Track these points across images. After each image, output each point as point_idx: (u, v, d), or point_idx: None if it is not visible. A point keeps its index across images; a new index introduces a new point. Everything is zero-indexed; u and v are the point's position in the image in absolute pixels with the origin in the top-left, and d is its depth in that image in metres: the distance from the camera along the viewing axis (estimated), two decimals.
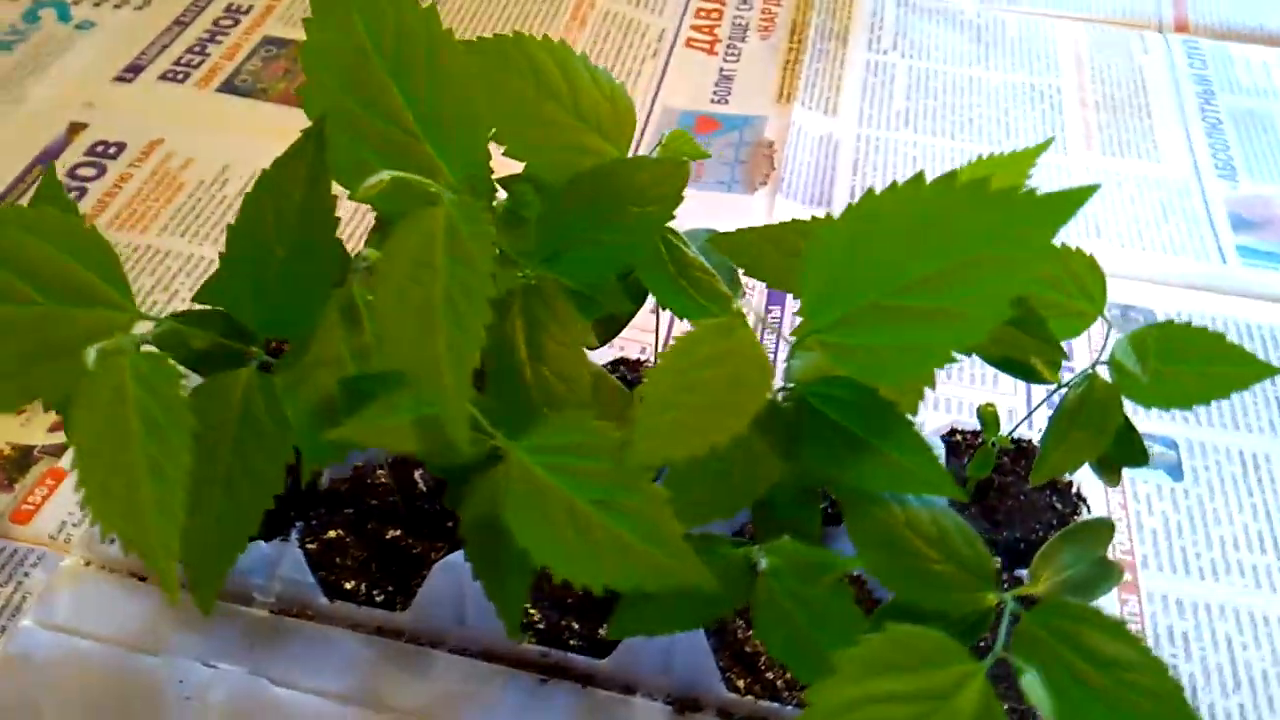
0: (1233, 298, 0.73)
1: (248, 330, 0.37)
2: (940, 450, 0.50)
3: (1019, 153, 0.38)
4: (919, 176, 0.32)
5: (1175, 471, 0.64)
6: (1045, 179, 0.38)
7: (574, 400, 0.36)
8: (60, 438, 0.61)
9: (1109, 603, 0.51)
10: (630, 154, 0.43)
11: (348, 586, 0.49)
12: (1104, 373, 0.43)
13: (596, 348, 0.46)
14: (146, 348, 0.33)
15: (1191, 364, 0.43)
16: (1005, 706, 0.45)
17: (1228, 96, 0.89)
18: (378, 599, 0.49)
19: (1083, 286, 0.42)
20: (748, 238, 0.42)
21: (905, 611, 0.36)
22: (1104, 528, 0.40)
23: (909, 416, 0.37)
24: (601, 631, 0.47)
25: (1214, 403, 0.60)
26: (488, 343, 0.37)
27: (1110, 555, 0.52)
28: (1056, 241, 0.42)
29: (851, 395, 0.36)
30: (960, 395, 0.66)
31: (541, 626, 0.48)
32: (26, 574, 0.55)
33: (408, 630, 0.49)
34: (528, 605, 0.48)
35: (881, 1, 0.97)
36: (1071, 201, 0.30)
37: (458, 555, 0.46)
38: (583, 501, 0.31)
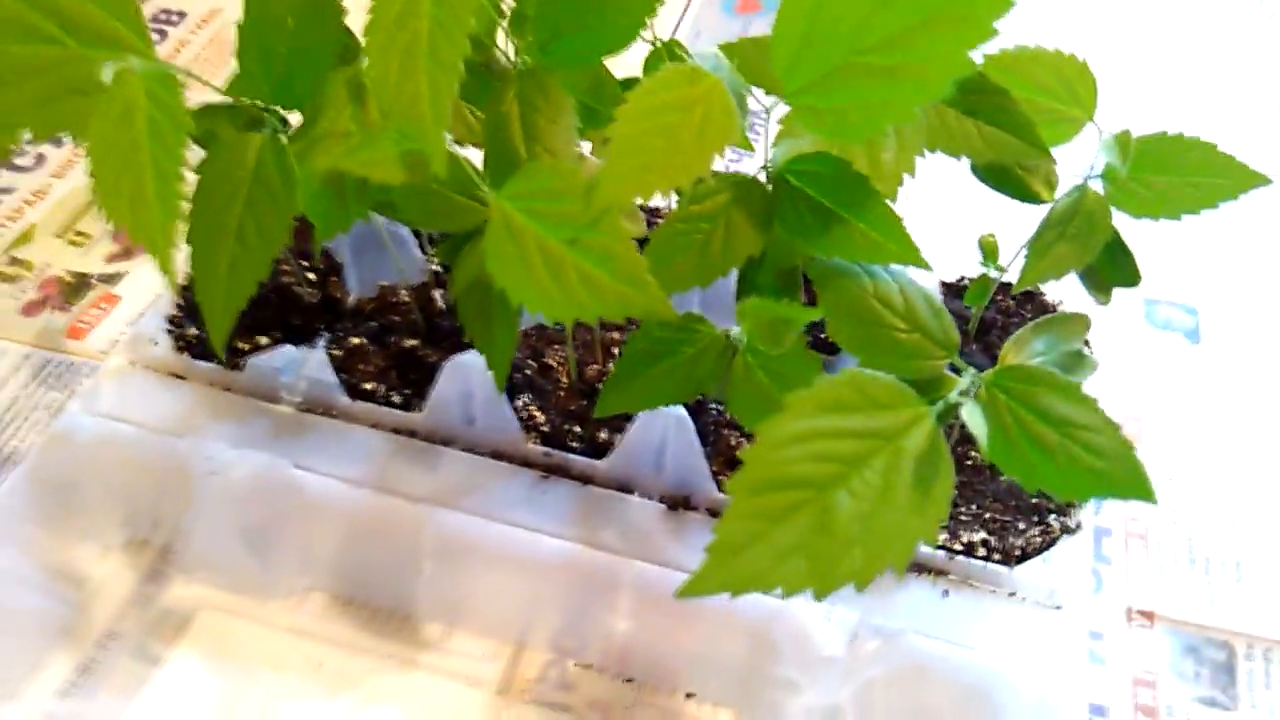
0: None
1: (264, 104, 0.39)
2: (935, 286, 0.51)
3: None
4: None
5: (1194, 335, 0.64)
6: None
7: None
8: (115, 268, 0.65)
9: None
10: None
11: (367, 388, 0.52)
12: (1095, 186, 0.44)
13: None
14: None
15: (1181, 174, 0.43)
16: (959, 510, 0.47)
17: None
18: (395, 401, 0.52)
19: (1073, 92, 0.42)
20: (748, 44, 0.43)
21: None
22: (1079, 321, 0.41)
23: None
24: (602, 435, 0.50)
25: (1237, 267, 0.60)
26: (486, 124, 0.39)
27: (1119, 415, 0.53)
28: (1050, 47, 0.43)
29: (827, 170, 0.37)
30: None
31: (546, 430, 0.50)
32: (80, 383, 0.59)
33: (421, 429, 0.51)
34: (534, 410, 0.51)
35: None
36: None
37: (467, 355, 0.49)
38: (555, 241, 0.34)
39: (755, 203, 0.38)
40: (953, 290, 0.57)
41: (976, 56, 0.41)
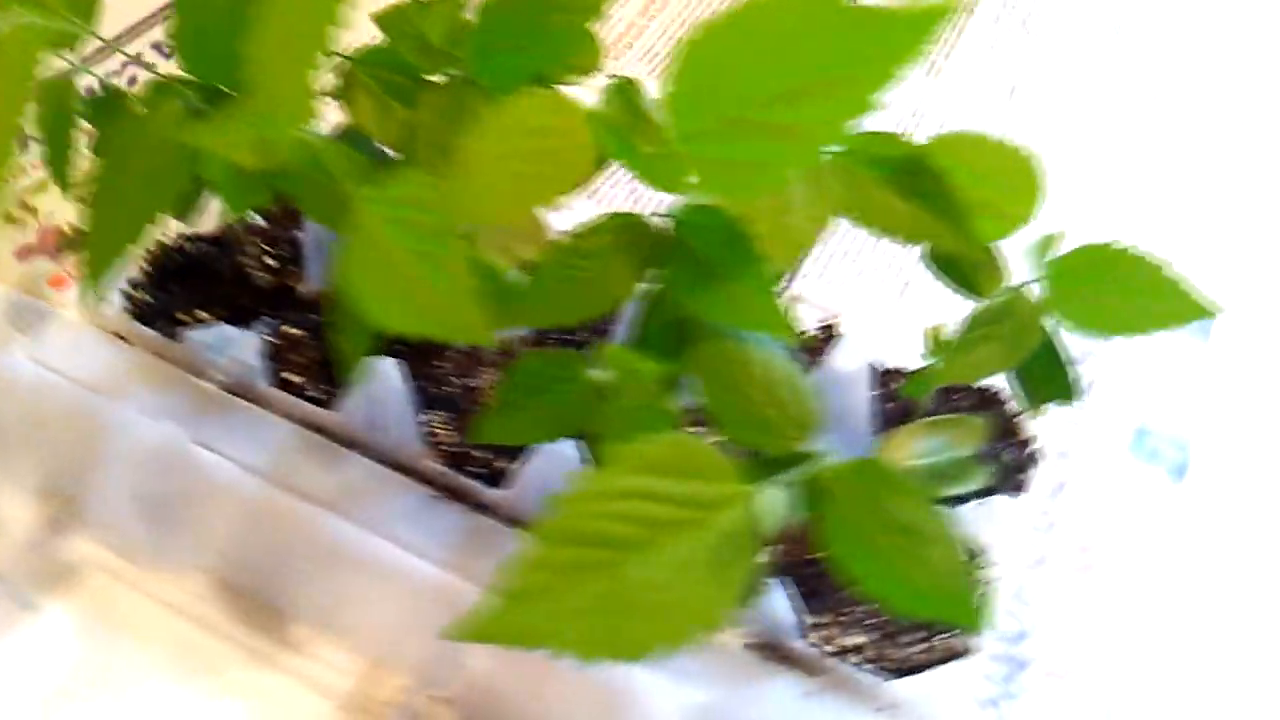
0: None
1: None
2: (864, 353, 0.49)
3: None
4: None
5: (1179, 471, 0.59)
6: None
7: None
8: None
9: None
10: None
11: (292, 379, 0.52)
12: (1036, 290, 0.41)
13: None
14: None
15: (1126, 292, 0.40)
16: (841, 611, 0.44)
17: None
18: (312, 396, 0.51)
19: (1014, 187, 0.40)
20: None
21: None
22: (974, 427, 0.38)
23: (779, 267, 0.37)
24: (500, 464, 0.49)
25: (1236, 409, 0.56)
26: (400, 132, 0.39)
27: (1067, 542, 0.50)
28: (1000, 136, 0.41)
29: (715, 225, 0.36)
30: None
31: (449, 450, 0.49)
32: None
33: (331, 428, 0.51)
34: (437, 427, 0.50)
35: None
36: (923, 22, 0.30)
37: (378, 360, 0.48)
38: (403, 250, 0.33)
39: (637, 247, 0.36)
40: (890, 377, 0.54)
41: (919, 136, 0.40)
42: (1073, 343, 0.42)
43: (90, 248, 0.38)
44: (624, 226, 0.36)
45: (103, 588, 0.50)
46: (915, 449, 0.37)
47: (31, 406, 0.52)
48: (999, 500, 0.48)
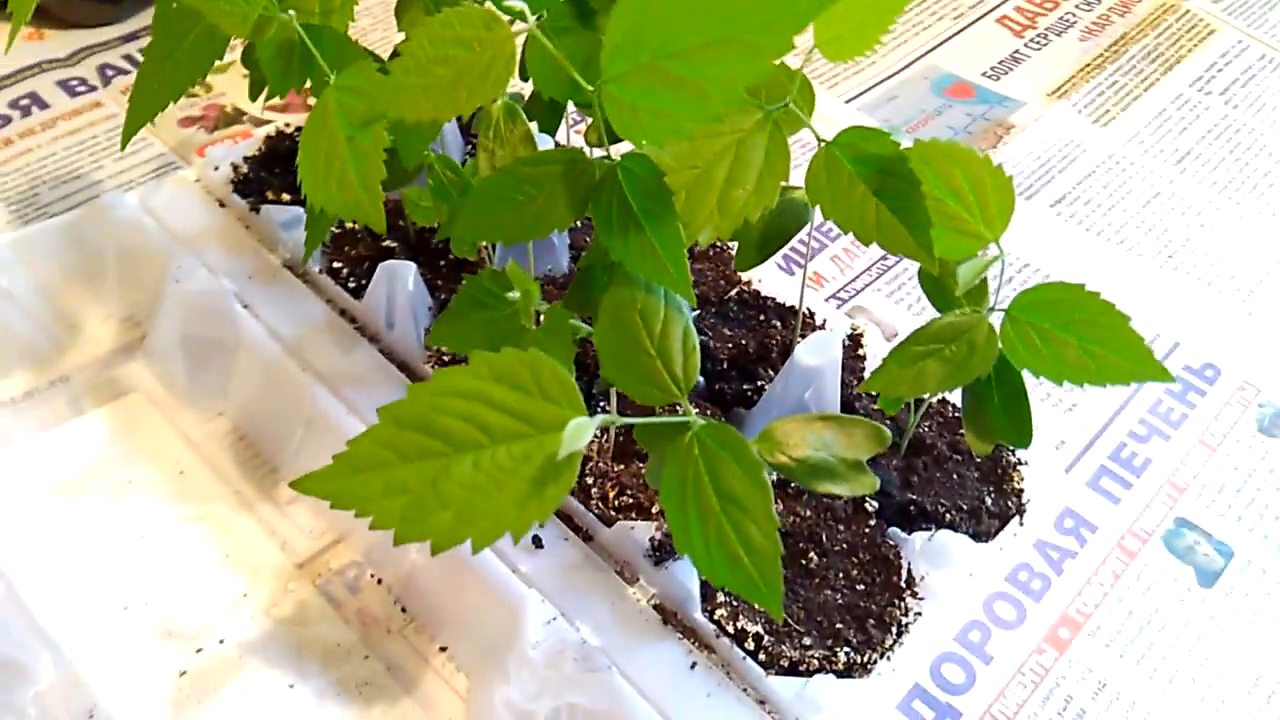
0: None
1: None
2: (837, 347, 0.48)
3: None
4: None
5: (1209, 578, 0.54)
6: None
7: None
8: (268, 115, 0.74)
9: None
10: None
11: (338, 267, 0.56)
12: (997, 319, 0.40)
13: (593, 146, 0.49)
14: None
15: (1084, 338, 0.38)
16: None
17: None
18: (351, 286, 0.56)
19: (985, 206, 0.38)
20: None
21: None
22: (876, 434, 0.37)
23: (707, 231, 0.37)
24: None
25: None
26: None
27: (1061, 607, 0.48)
28: (980, 152, 0.40)
29: (645, 173, 0.37)
30: None
31: (447, 359, 0.52)
32: None
33: (359, 318, 0.55)
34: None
35: (1241, 47, 0.87)
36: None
37: (396, 263, 0.52)
38: (339, 133, 0.36)
39: (579, 185, 0.38)
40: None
41: (905, 141, 0.39)
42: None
43: (134, 99, 0.43)
44: (570, 161, 0.38)
45: (138, 408, 0.56)
46: (807, 439, 0.37)
47: (128, 243, 0.59)
48: (953, 539, 0.46)
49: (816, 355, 0.47)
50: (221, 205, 0.61)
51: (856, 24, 0.36)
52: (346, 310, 0.56)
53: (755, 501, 0.32)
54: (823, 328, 0.55)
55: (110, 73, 0.76)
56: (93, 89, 0.74)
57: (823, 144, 0.39)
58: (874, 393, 0.45)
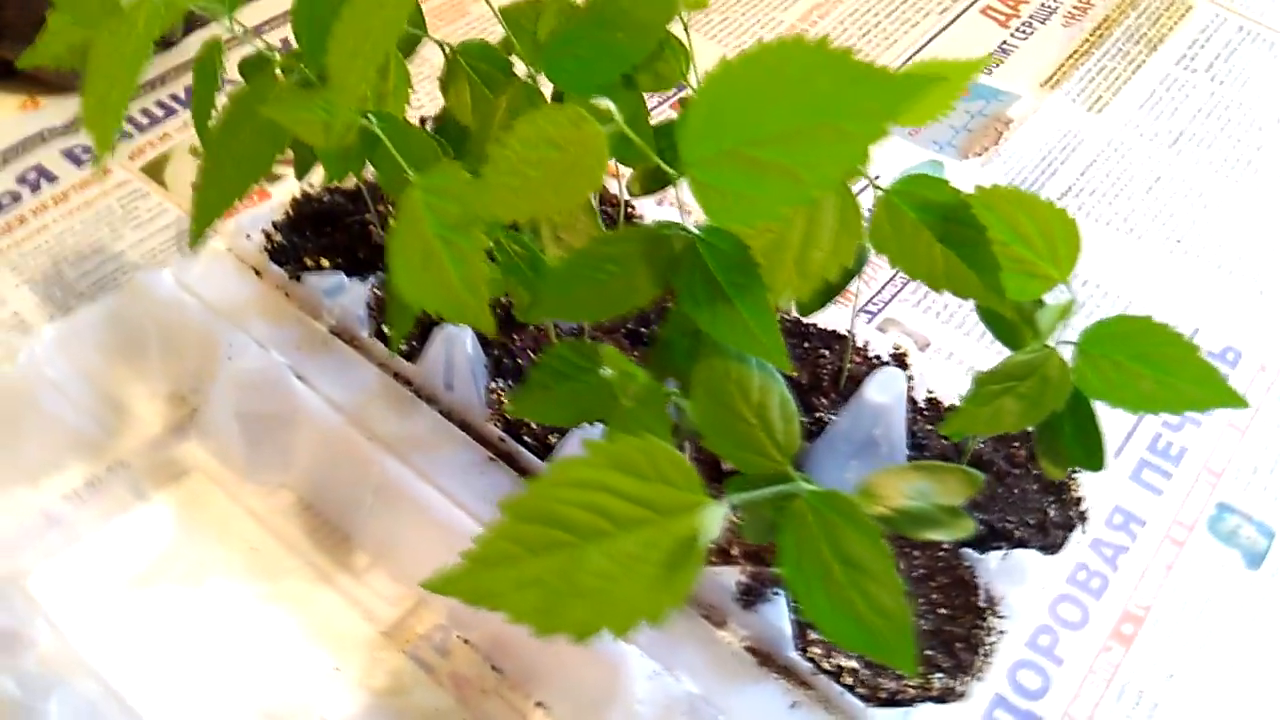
0: None
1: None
2: (901, 384, 0.49)
3: (965, 62, 0.37)
4: (798, 37, 0.33)
5: (1256, 559, 0.57)
6: None
7: None
8: (280, 170, 0.74)
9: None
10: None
11: (389, 331, 0.57)
12: (1067, 353, 0.41)
13: (637, 196, 0.50)
14: None
15: (1156, 368, 0.39)
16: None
17: None
18: (402, 350, 0.56)
19: (1053, 248, 0.40)
20: None
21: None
22: (969, 480, 0.38)
23: (789, 297, 0.39)
24: (552, 439, 0.52)
25: None
26: (475, 113, 0.43)
27: (1123, 603, 0.50)
28: (1044, 196, 0.41)
29: (729, 247, 0.38)
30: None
31: (507, 417, 0.53)
32: None
33: (414, 381, 0.56)
34: (503, 394, 0.54)
35: (1219, 21, 0.89)
36: (916, 84, 0.31)
37: (452, 328, 0.53)
38: (433, 234, 0.36)
39: (659, 260, 0.39)
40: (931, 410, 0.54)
41: (966, 186, 0.40)
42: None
43: (199, 199, 0.43)
44: (649, 237, 0.39)
45: (202, 489, 0.57)
46: (903, 489, 0.38)
47: (168, 321, 0.59)
48: (1026, 555, 0.48)
49: (884, 393, 0.48)
50: (258, 274, 0.61)
51: (933, 92, 0.37)
52: (400, 374, 0.56)
53: (878, 565, 0.34)
54: (865, 350, 0.57)
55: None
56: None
57: (880, 192, 0.40)
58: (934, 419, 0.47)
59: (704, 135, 0.34)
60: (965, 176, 0.75)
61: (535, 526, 0.34)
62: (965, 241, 0.40)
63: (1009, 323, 0.43)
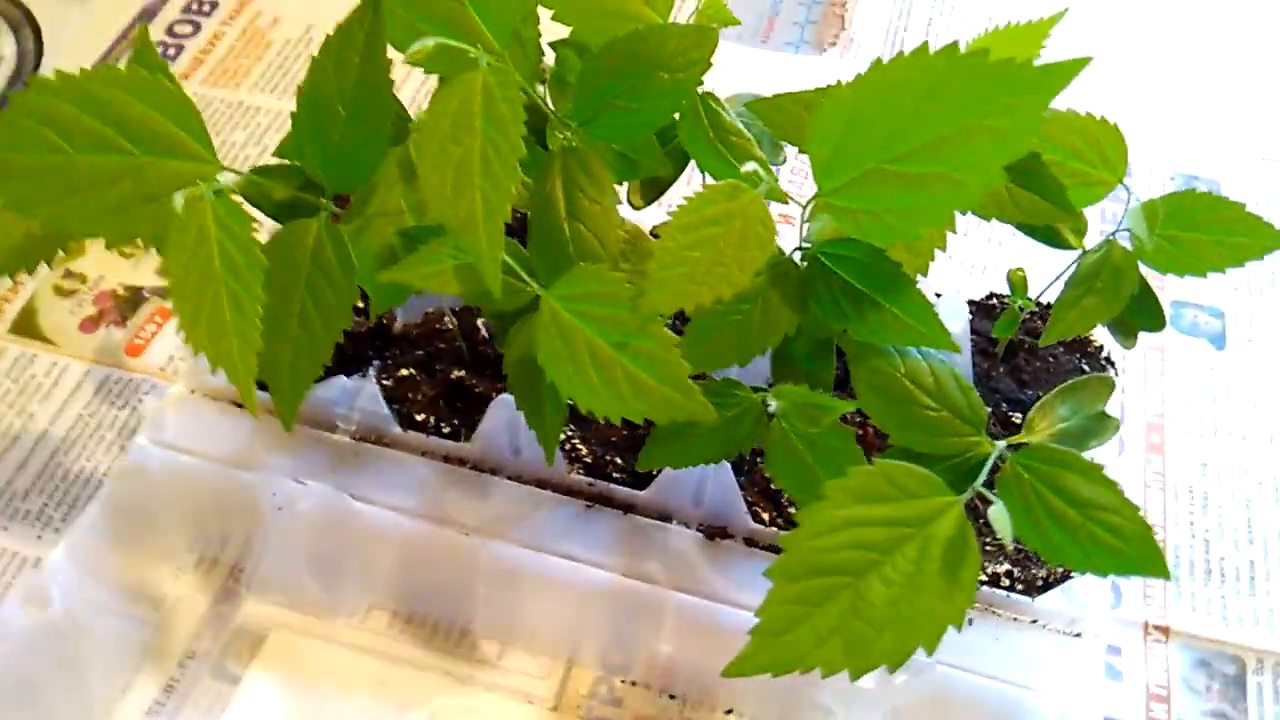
0: None
1: (318, 184, 0.41)
2: (964, 314, 0.52)
3: (1032, 24, 0.40)
4: (923, 47, 0.33)
5: (1219, 340, 0.65)
6: None
7: (606, 254, 0.39)
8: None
9: (1108, 456, 0.52)
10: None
11: (419, 418, 0.54)
12: (1123, 240, 0.45)
13: (641, 208, 0.49)
14: (235, 198, 0.38)
15: (1208, 232, 0.44)
16: (985, 541, 0.49)
17: None
18: (444, 431, 0.54)
19: (1103, 155, 0.43)
20: (782, 102, 0.44)
21: (903, 455, 0.39)
22: (1103, 384, 0.42)
23: (914, 277, 0.40)
24: (618, 462, 0.52)
25: (1266, 274, 0.61)
26: (531, 201, 0.41)
27: (1142, 420, 0.55)
28: (1081, 110, 0.44)
29: (861, 255, 0.39)
30: (1001, 262, 0.68)
31: (589, 461, 0.53)
32: (140, 400, 0.62)
33: (470, 459, 0.54)
34: (576, 441, 0.53)
35: None
36: (1063, 73, 0.32)
37: (507, 396, 0.51)
38: (604, 343, 0.35)
39: (790, 284, 0.39)
40: (981, 309, 0.58)
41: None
42: None
43: (275, 379, 0.40)
44: (774, 267, 0.39)
45: (291, 644, 0.53)
46: (1058, 415, 0.41)
47: (173, 491, 0.54)
48: None
49: (952, 323, 0.51)
50: (241, 407, 0.56)
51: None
52: (450, 456, 0.54)
53: (1108, 498, 0.37)
54: None
55: None
56: None
57: None
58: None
59: (836, 163, 0.35)
60: (830, 72, 0.77)
61: (809, 581, 0.35)
62: (1025, 172, 0.42)
63: (1050, 229, 0.47)
